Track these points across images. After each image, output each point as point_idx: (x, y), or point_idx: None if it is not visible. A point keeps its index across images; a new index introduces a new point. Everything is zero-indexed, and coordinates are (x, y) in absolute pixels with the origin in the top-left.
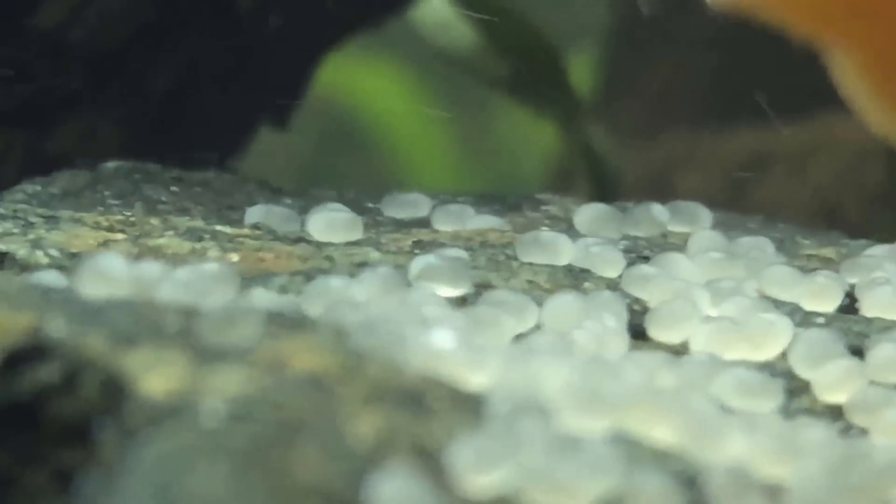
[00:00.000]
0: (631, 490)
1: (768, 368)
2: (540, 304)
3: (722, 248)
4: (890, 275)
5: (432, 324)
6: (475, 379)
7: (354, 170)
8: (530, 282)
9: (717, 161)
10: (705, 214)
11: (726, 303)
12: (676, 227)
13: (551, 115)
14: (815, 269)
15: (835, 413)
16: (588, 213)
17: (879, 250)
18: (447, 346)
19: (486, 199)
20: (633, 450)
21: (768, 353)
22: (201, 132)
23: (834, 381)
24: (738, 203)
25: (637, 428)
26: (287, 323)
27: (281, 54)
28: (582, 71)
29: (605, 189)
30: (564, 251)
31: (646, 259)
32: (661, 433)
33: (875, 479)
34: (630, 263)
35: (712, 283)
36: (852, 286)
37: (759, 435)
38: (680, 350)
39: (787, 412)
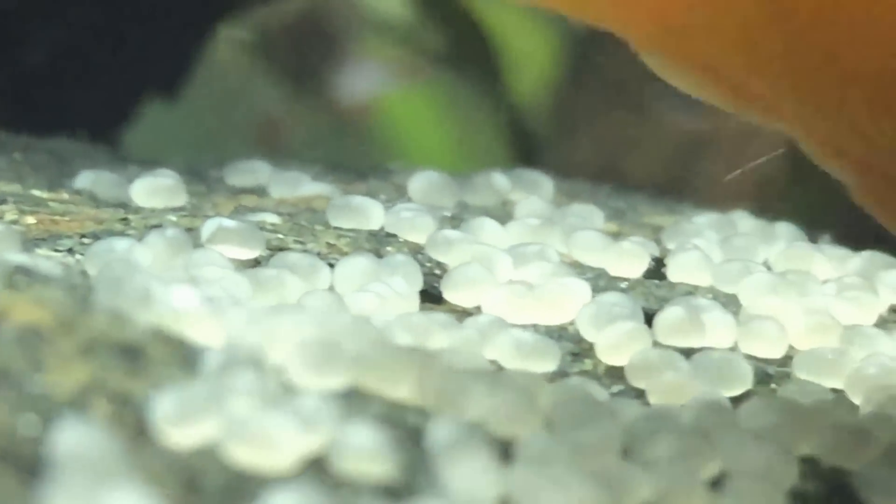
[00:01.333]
0: (340, 445)
1: (557, 331)
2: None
3: (546, 215)
4: (707, 242)
5: (207, 284)
6: (210, 336)
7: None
8: (330, 245)
9: (661, 144)
10: (546, 183)
11: (527, 267)
12: (517, 196)
13: (479, 87)
14: (636, 237)
15: (616, 375)
16: (421, 181)
17: (706, 218)
18: (186, 303)
19: (336, 169)
20: (362, 407)
21: (562, 316)
22: (82, 103)
23: (615, 343)
24: (680, 185)
25: (373, 386)
26: (28, 278)
27: (168, 26)
28: (543, 52)
29: (530, 157)
30: (375, 216)
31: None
32: (400, 391)
33: (603, 439)
34: (441, 229)
35: (516, 248)
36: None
37: (499, 393)
38: (472, 313)
39: (566, 374)
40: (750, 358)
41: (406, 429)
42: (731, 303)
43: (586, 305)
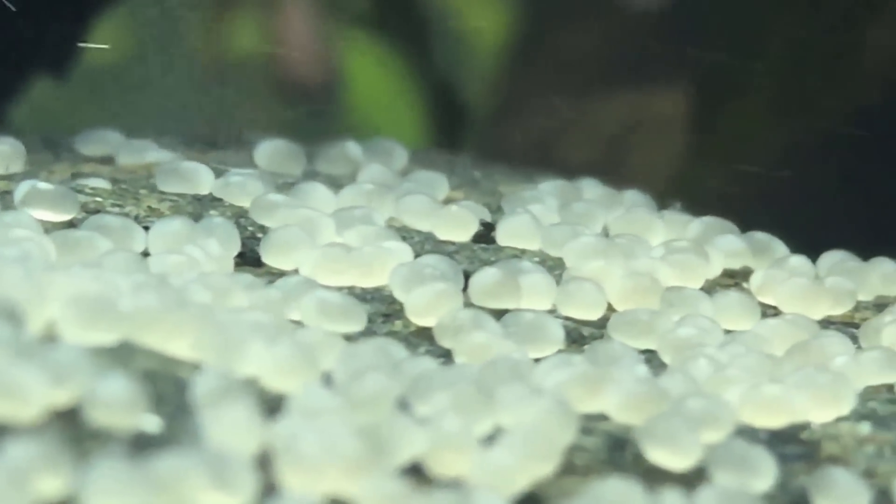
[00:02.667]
0: (92, 397)
1: (372, 293)
2: None
3: (386, 182)
4: (546, 208)
5: (10, 245)
6: None
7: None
8: (151, 209)
9: (596, 128)
10: (400, 152)
11: (350, 231)
12: (370, 164)
13: (405, 50)
14: (468, 202)
15: (425, 336)
16: (267, 149)
17: (550, 186)
18: None
19: (196, 137)
20: (128, 361)
21: (379, 279)
22: None
23: (425, 304)
24: (615, 168)
25: (149, 341)
26: None
27: (57, 5)
28: (495, 26)
29: (455, 125)
30: (204, 181)
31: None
32: (177, 347)
33: (379, 393)
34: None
35: (341, 212)
36: None
37: (275, 349)
38: (289, 275)
39: (374, 334)
40: (568, 319)
41: (175, 382)
42: (557, 266)
43: (399, 267)
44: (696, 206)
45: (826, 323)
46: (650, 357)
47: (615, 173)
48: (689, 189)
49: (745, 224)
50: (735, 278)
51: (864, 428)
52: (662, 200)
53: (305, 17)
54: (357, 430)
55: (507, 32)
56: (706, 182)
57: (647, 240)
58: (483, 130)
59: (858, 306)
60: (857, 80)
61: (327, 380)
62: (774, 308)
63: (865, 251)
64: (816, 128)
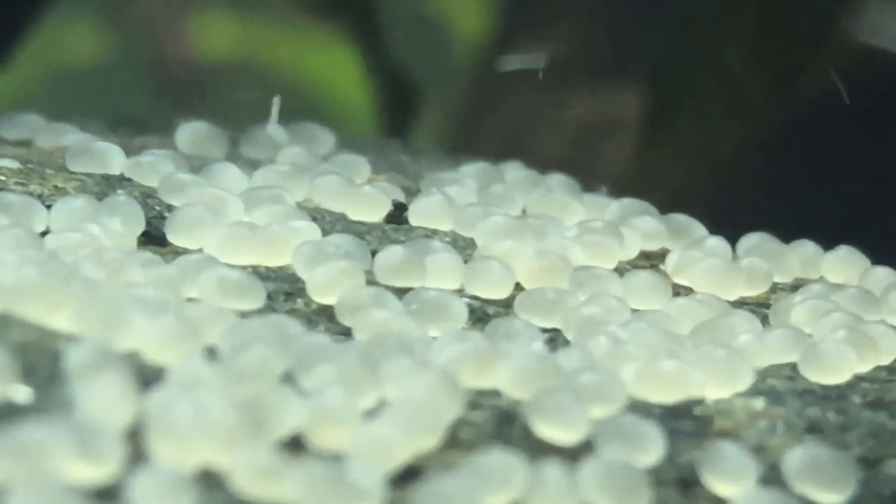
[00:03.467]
0: None
1: (276, 271)
2: None
3: (306, 163)
4: (464, 189)
5: None
6: None
7: None
8: (58, 188)
9: (569, 123)
10: (327, 136)
11: (258, 210)
12: (294, 148)
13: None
14: (382, 183)
15: (326, 314)
16: (188, 132)
17: (471, 168)
18: None
19: (119, 120)
20: (6, 332)
21: (285, 257)
22: None
23: (326, 282)
24: (587, 164)
25: (29, 314)
26: None
27: None
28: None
29: (405, 113)
30: (115, 161)
31: None
32: (58, 320)
33: (261, 366)
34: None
35: (250, 192)
36: None
37: (158, 322)
38: (191, 253)
39: (274, 311)
40: (475, 298)
41: (50, 354)
42: (469, 246)
43: (301, 245)
44: (663, 201)
45: (740, 304)
46: (555, 335)
47: (584, 169)
48: (655, 183)
49: (710, 218)
50: (652, 260)
51: (759, 403)
52: (627, 194)
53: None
54: (234, 403)
55: (483, 26)
56: (670, 177)
57: (562, 221)
58: (457, 124)
59: (776, 288)
60: (815, 75)
61: (211, 354)
62: (689, 289)
63: (828, 241)
64: (776, 122)
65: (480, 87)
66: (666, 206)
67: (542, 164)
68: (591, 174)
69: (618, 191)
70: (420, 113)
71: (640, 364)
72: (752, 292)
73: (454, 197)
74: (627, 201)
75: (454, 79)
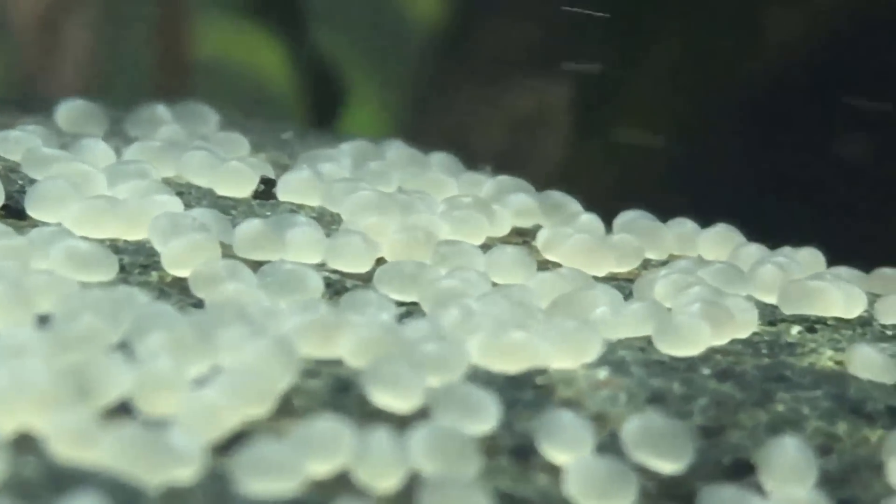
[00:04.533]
0: None
1: (135, 245)
2: None
3: (182, 140)
4: (337, 166)
5: None
6: None
7: None
8: None
9: (504, 117)
10: (211, 115)
11: (122, 185)
12: (173, 126)
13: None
14: (252, 159)
15: (180, 286)
16: (67, 110)
17: (350, 146)
18: None
19: (8, 103)
20: None
21: (145, 232)
22: None
23: (180, 255)
24: (520, 157)
25: None
26: None
27: None
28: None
29: (330, 105)
30: None
31: None
32: None
33: (88, 333)
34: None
35: (114, 167)
36: None
37: None
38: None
39: (127, 283)
40: (335, 272)
41: None
42: (335, 221)
43: (158, 218)
44: (599, 194)
45: (609, 279)
46: (412, 308)
47: (520, 162)
48: (588, 176)
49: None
50: (525, 236)
51: (602, 373)
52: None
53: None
54: (56, 368)
55: (436, 14)
56: (602, 171)
57: (433, 197)
58: (395, 114)
59: (648, 264)
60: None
61: (43, 321)
62: (559, 265)
63: (770, 232)
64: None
65: (423, 77)
66: (600, 199)
67: (480, 156)
68: (525, 167)
69: (552, 184)
70: (350, 103)
71: (486, 334)
72: (623, 268)
73: (327, 173)
74: (503, 178)
75: (403, 67)
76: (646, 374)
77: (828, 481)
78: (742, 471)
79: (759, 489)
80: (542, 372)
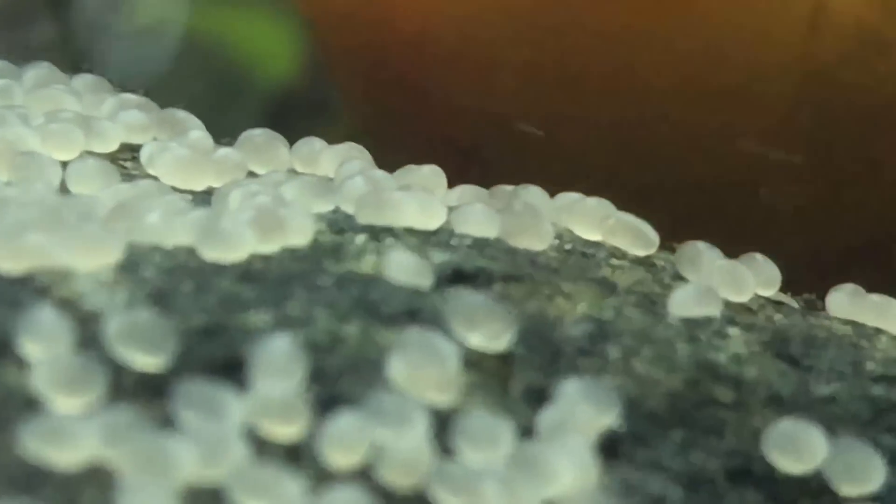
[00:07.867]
0: None
1: None
2: None
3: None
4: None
5: None
6: None
7: None
8: None
9: None
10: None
11: None
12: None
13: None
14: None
15: None
16: None
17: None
18: None
19: None
20: None
21: None
22: None
23: None
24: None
25: None
26: None
27: None
28: None
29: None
30: None
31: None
32: None
33: None
34: None
35: None
36: None
37: None
38: None
39: None
40: None
41: None
42: None
43: None
44: None
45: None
46: None
47: None
48: None
49: None
50: (134, 152)
51: (110, 274)
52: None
53: None
54: None
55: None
56: None
57: (36, 111)
58: None
59: None
60: None
61: None
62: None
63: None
64: None
65: None
66: None
67: None
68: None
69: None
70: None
71: None
72: (223, 183)
73: None
74: (126, 96)
75: None
76: (161, 276)
77: (320, 378)
78: (233, 369)
79: (242, 385)
80: (55, 273)
